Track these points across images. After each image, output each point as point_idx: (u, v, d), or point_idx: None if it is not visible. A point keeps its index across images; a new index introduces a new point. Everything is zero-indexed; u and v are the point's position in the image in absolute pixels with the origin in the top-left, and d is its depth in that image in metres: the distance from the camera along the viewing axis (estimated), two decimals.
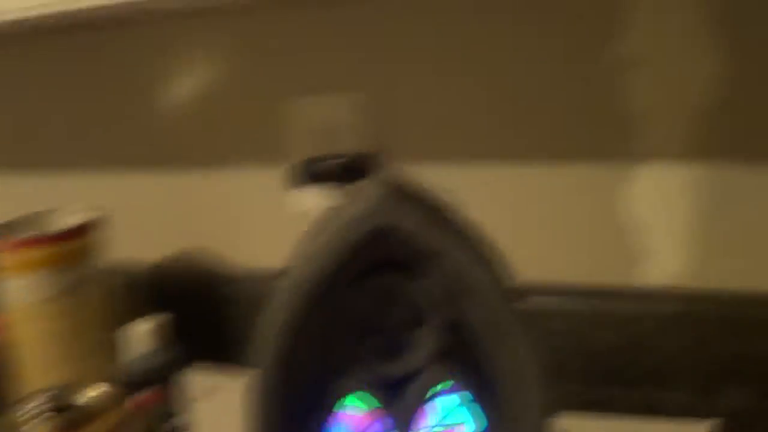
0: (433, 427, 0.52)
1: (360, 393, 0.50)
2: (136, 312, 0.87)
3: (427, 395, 0.50)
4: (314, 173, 1.06)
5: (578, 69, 0.91)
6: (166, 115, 1.19)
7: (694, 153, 0.89)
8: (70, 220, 0.97)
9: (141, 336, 0.80)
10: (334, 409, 0.50)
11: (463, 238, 0.47)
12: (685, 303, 0.90)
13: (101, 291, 0.99)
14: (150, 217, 1.23)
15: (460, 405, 0.52)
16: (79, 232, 0.94)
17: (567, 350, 0.93)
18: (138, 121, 1.21)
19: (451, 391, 0.51)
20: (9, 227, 0.94)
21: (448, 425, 0.52)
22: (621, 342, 0.92)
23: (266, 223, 1.16)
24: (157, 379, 0.79)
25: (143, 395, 0.79)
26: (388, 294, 0.48)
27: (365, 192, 0.47)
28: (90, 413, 0.71)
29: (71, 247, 0.94)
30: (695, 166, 0.90)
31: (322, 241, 0.46)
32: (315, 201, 1.08)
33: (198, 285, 1.17)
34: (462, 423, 0.52)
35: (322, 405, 0.50)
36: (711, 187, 0.90)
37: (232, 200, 1.18)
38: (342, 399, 0.50)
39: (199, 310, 1.13)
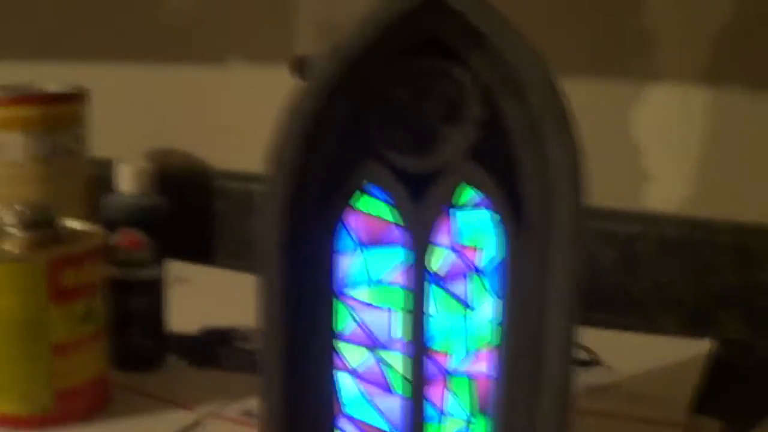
0: (451, 243, 0.48)
1: (376, 192, 0.46)
2: None
3: (449, 200, 0.46)
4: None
5: None
6: (164, 8, 1.15)
7: (703, 76, 0.87)
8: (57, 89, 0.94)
9: (124, 177, 0.76)
10: (349, 205, 0.46)
11: (515, 30, 0.43)
12: (686, 228, 0.88)
13: (83, 165, 0.95)
14: (146, 111, 1.20)
15: (482, 225, 0.48)
16: (68, 98, 0.92)
17: None
18: (136, 14, 1.17)
19: (474, 205, 0.47)
20: None
21: (465, 245, 0.48)
22: (623, 259, 0.89)
23: (266, 122, 1.13)
24: (138, 222, 0.75)
25: (123, 234, 0.74)
26: (426, 79, 0.44)
27: None
28: (70, 234, 0.67)
29: (59, 111, 0.91)
30: (703, 89, 0.87)
31: (365, 12, 0.42)
32: None
33: (187, 180, 1.13)
34: (481, 248, 0.48)
35: (338, 196, 0.46)
36: (718, 112, 0.87)
37: (233, 97, 1.14)
38: (359, 192, 0.46)
39: (185, 204, 1.10)
